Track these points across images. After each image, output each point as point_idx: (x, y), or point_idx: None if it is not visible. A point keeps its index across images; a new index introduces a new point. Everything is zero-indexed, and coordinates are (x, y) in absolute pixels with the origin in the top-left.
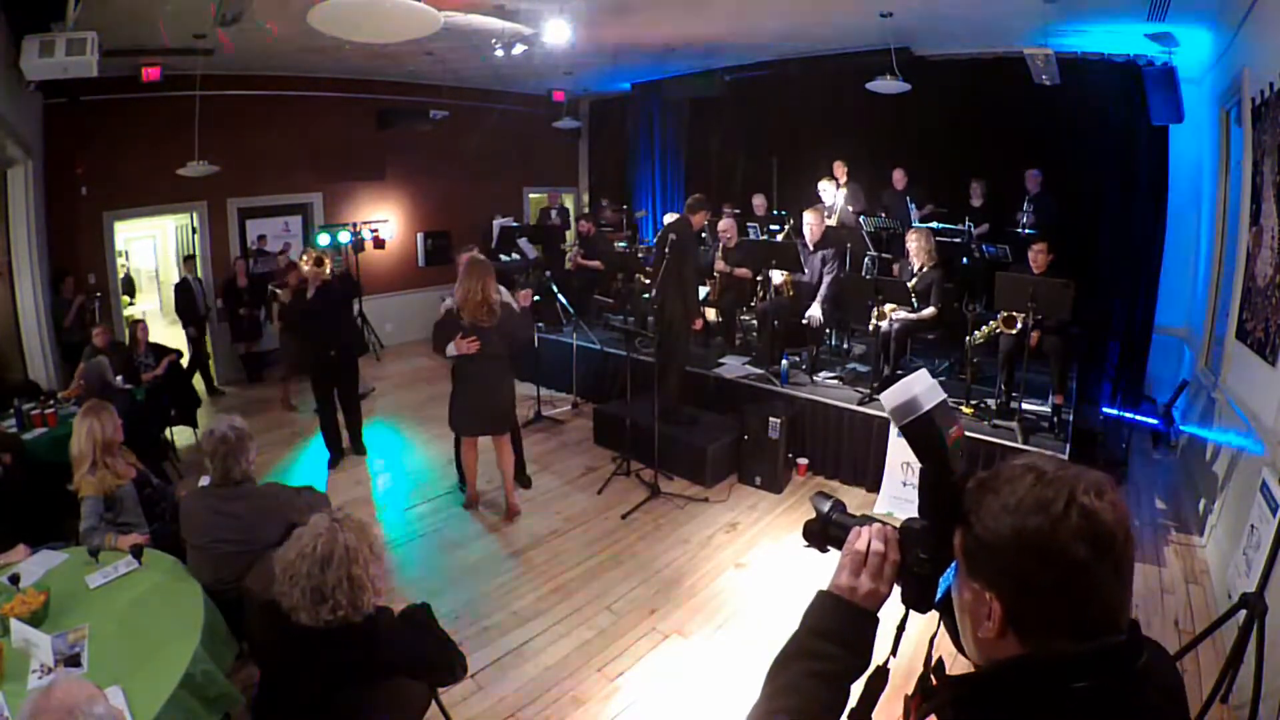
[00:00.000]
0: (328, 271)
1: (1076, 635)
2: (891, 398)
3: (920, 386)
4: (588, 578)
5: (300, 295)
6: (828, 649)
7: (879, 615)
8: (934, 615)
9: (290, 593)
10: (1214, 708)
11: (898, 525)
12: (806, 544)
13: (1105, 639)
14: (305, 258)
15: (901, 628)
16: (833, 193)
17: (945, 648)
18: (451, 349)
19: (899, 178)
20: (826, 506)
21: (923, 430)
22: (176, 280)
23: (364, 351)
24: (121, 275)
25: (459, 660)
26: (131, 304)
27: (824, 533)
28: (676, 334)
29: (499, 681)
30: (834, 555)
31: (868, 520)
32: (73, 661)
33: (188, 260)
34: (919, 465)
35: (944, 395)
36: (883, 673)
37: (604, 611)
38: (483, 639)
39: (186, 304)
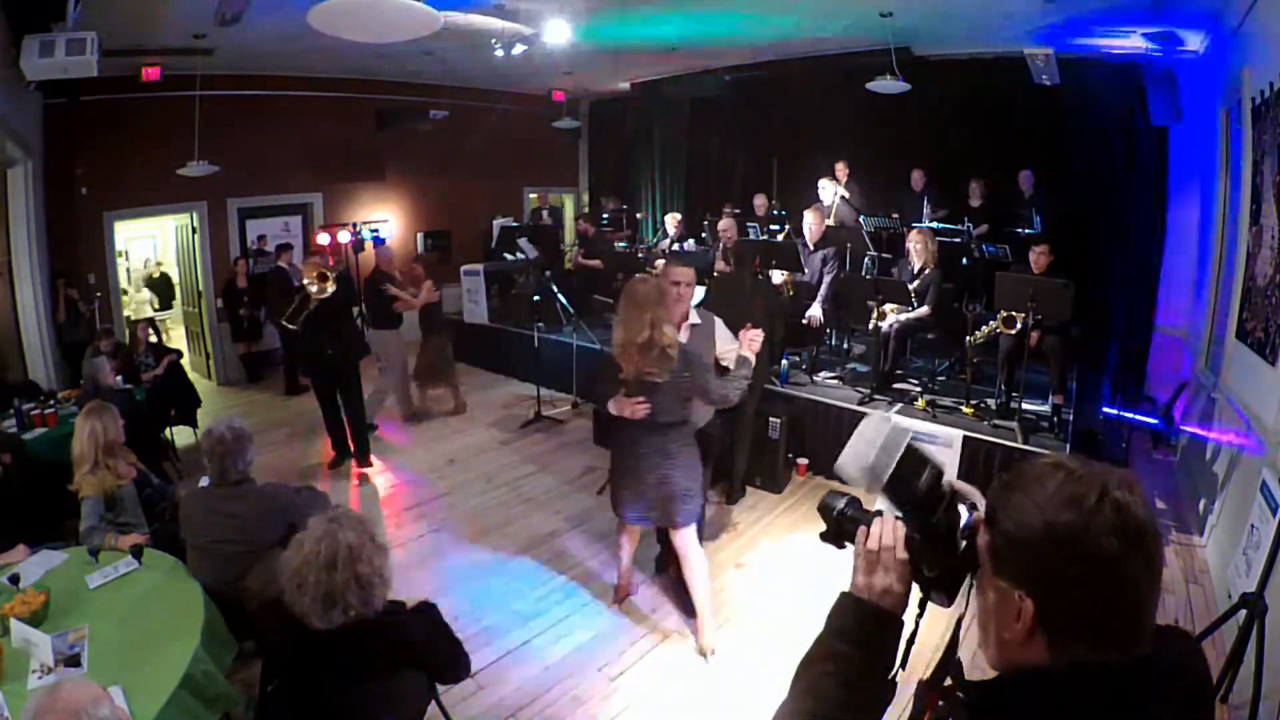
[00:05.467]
0: (330, 288)
1: (1105, 636)
2: (853, 463)
3: (873, 442)
4: (587, 577)
5: (303, 298)
6: (845, 650)
7: (902, 618)
8: (954, 614)
9: (300, 600)
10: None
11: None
12: (825, 541)
13: (1129, 649)
14: (307, 274)
15: (911, 641)
16: (832, 192)
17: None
18: (613, 407)
19: (918, 178)
20: (841, 503)
21: (906, 483)
22: (264, 270)
23: (366, 354)
24: (156, 275)
25: (465, 657)
26: (169, 310)
27: (839, 528)
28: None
29: (499, 681)
30: (833, 550)
31: (879, 515)
32: (73, 661)
33: (281, 249)
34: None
35: (908, 434)
36: (890, 685)
37: (604, 611)
38: (483, 639)
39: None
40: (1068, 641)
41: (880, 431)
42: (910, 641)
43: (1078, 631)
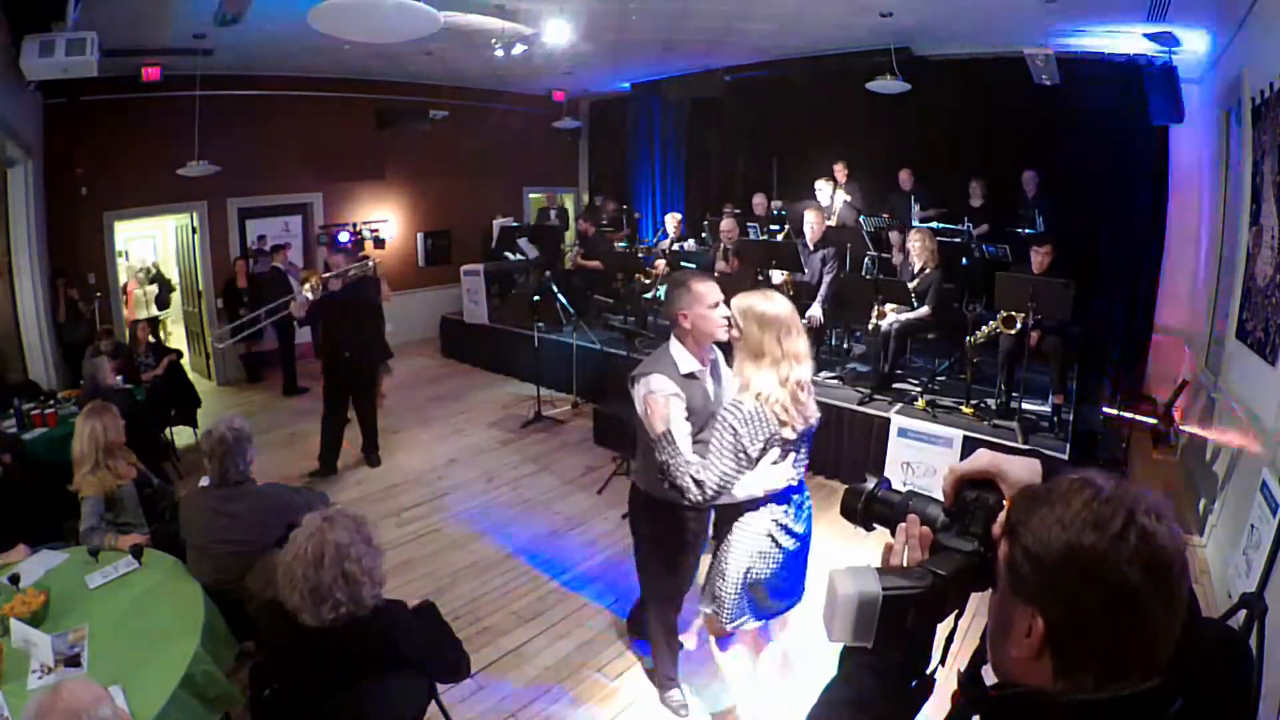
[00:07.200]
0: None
1: (1115, 668)
2: (839, 625)
3: (846, 620)
4: (588, 578)
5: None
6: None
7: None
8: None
9: (290, 596)
10: None
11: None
12: (853, 522)
13: (1138, 682)
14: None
15: (950, 638)
16: (829, 192)
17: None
18: (748, 492)
19: (905, 178)
20: (871, 484)
21: (895, 626)
22: (262, 270)
23: (389, 357)
24: (149, 273)
25: (465, 658)
26: (164, 311)
27: (868, 510)
28: None
29: (499, 681)
30: (838, 549)
31: (913, 495)
32: (73, 661)
33: (276, 249)
34: (922, 463)
35: (876, 588)
36: (928, 681)
37: (604, 611)
38: (483, 639)
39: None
40: (1075, 669)
41: (851, 586)
42: (950, 638)
43: (1087, 660)
